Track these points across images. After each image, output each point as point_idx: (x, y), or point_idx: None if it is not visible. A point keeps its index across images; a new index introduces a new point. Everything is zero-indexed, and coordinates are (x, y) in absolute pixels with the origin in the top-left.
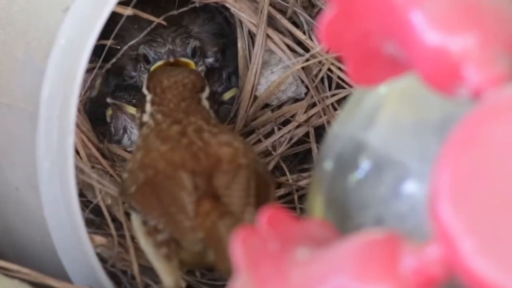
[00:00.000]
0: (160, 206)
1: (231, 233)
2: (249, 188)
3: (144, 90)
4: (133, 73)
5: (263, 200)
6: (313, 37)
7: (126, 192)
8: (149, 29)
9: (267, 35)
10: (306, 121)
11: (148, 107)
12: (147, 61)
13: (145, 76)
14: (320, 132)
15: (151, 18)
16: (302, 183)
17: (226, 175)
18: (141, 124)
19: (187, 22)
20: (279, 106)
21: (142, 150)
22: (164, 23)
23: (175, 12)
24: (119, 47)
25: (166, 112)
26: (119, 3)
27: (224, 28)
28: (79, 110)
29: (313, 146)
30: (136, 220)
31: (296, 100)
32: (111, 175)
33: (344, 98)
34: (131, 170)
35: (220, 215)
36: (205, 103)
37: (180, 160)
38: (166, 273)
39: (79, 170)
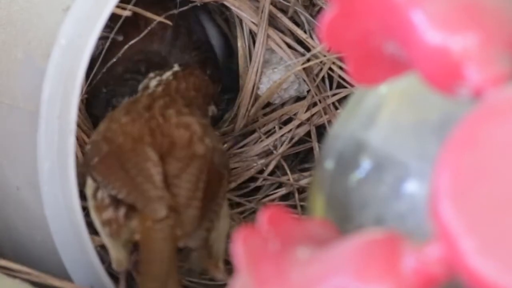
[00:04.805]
0: (125, 176)
1: (165, 241)
2: (199, 181)
3: (175, 65)
4: None
5: (212, 194)
6: (314, 36)
7: (88, 164)
8: (149, 28)
9: (268, 34)
10: (308, 120)
11: (167, 74)
12: None
13: None
14: (321, 131)
15: (153, 16)
16: (303, 182)
17: (178, 163)
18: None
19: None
20: (281, 105)
21: (106, 121)
22: (167, 22)
23: (175, 11)
24: None
25: (175, 87)
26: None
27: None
28: (79, 110)
29: (315, 145)
30: (88, 190)
31: (298, 98)
32: None
33: (345, 97)
34: (94, 141)
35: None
36: (210, 112)
37: (138, 134)
38: (111, 251)
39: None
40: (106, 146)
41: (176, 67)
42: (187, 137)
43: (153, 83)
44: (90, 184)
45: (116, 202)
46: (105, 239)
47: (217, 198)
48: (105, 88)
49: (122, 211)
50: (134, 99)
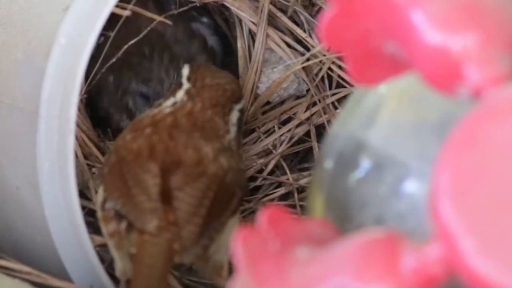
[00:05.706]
0: (122, 187)
1: (158, 256)
2: (204, 197)
3: (184, 80)
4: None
5: (217, 212)
6: (313, 35)
7: (101, 174)
8: (149, 28)
9: (267, 34)
10: (307, 119)
11: (180, 94)
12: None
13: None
14: (320, 131)
15: (153, 16)
16: (303, 182)
17: (185, 177)
18: (155, 105)
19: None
20: (280, 105)
21: (120, 134)
22: (167, 21)
23: (175, 12)
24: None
25: (189, 109)
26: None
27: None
28: (79, 109)
29: (314, 145)
30: (98, 200)
31: (297, 97)
32: None
33: (345, 97)
34: (108, 152)
35: (163, 227)
36: (234, 116)
37: (137, 149)
38: (116, 261)
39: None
40: (114, 157)
41: (186, 84)
42: (196, 158)
43: (168, 103)
44: (100, 194)
45: (119, 214)
46: (112, 250)
47: (222, 217)
48: (100, 104)
49: (124, 224)
50: (141, 118)
